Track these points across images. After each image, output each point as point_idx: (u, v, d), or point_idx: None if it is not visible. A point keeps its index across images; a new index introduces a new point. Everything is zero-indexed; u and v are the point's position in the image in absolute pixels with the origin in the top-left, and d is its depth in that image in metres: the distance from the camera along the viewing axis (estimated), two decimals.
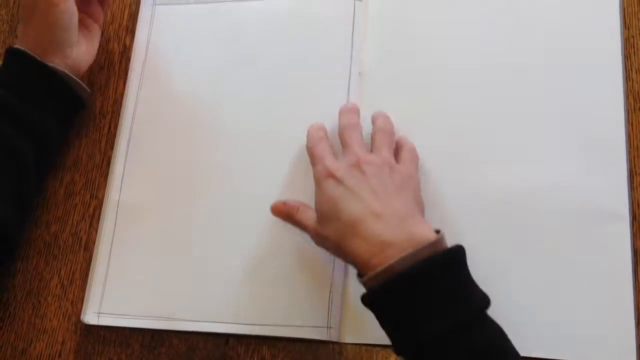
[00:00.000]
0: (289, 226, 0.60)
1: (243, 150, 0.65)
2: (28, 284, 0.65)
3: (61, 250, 0.65)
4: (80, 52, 0.65)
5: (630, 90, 0.60)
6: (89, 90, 0.67)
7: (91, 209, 0.66)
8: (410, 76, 0.64)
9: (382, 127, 0.59)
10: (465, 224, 0.58)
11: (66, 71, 0.63)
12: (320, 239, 0.56)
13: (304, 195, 0.60)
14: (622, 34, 0.62)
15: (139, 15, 0.72)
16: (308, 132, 0.60)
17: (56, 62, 0.63)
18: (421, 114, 0.62)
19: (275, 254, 0.61)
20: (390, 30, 0.66)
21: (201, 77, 0.68)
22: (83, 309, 0.62)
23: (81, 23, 0.65)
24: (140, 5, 0.72)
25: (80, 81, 0.65)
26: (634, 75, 0.61)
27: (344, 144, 0.58)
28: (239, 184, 0.64)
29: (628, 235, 0.56)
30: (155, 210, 0.65)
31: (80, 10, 0.64)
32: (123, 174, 0.66)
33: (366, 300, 0.51)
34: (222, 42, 0.69)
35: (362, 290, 0.51)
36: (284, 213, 0.60)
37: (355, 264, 0.52)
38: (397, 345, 0.50)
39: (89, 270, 0.64)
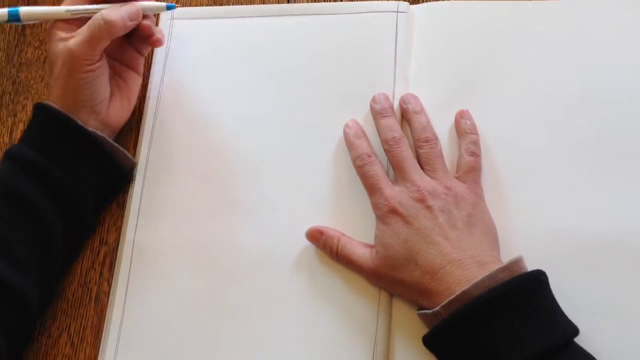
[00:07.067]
0: (332, 276, 0.54)
1: (273, 183, 0.57)
2: (35, 342, 0.58)
3: (70, 304, 0.58)
4: (114, 107, 0.59)
5: None
6: (133, 158, 0.60)
7: (101, 256, 0.59)
8: (462, 98, 0.56)
9: (425, 135, 0.54)
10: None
11: (101, 133, 0.57)
12: (385, 282, 0.52)
13: (350, 227, 0.55)
14: None
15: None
16: (347, 136, 0.56)
17: (86, 120, 0.56)
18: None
19: (312, 308, 0.54)
20: (440, 45, 0.58)
21: (226, 99, 0.61)
22: None
23: (117, 74, 0.59)
24: (160, 20, 0.65)
25: (121, 147, 0.58)
26: None
27: (394, 165, 0.54)
28: (271, 221, 0.56)
29: None
30: (175, 252, 0.57)
31: (115, 59, 0.59)
32: (139, 212, 0.59)
33: (434, 337, 0.47)
34: (250, 61, 0.62)
35: None
36: (321, 242, 0.55)
37: (430, 305, 0.48)
38: None
39: (101, 325, 0.57)
